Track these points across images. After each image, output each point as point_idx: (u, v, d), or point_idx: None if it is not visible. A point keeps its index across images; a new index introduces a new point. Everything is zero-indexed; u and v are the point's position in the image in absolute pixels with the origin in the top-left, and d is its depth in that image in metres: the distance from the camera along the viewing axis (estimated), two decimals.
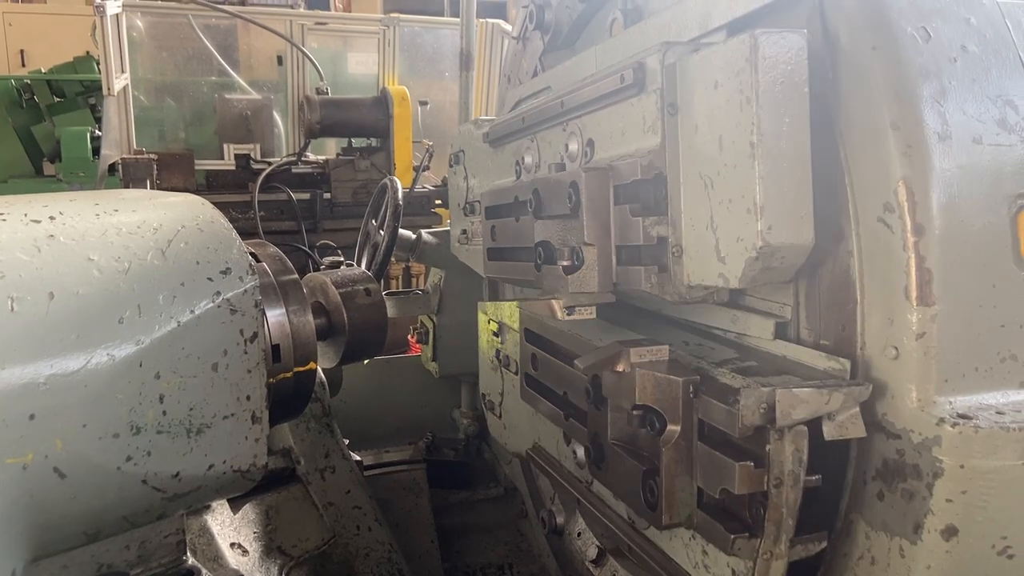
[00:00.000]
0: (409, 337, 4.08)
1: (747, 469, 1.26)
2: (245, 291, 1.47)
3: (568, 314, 1.68)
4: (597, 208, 1.56)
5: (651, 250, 1.49)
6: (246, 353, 1.46)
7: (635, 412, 1.45)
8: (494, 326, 2.44)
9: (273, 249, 1.80)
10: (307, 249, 6.56)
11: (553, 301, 1.67)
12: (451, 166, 2.71)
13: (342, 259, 2.46)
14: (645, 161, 1.48)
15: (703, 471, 1.37)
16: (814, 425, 1.25)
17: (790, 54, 1.23)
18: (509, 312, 2.28)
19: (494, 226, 2.10)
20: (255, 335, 1.47)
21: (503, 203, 2.02)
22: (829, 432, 1.26)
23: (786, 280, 1.37)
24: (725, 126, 1.30)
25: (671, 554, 1.58)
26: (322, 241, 6.12)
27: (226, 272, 1.45)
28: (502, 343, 2.38)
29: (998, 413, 1.19)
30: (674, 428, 1.39)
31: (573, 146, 1.81)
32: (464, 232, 2.62)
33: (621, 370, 1.48)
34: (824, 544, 1.34)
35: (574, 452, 1.87)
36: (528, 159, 2.06)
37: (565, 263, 1.61)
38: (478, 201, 2.38)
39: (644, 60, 1.49)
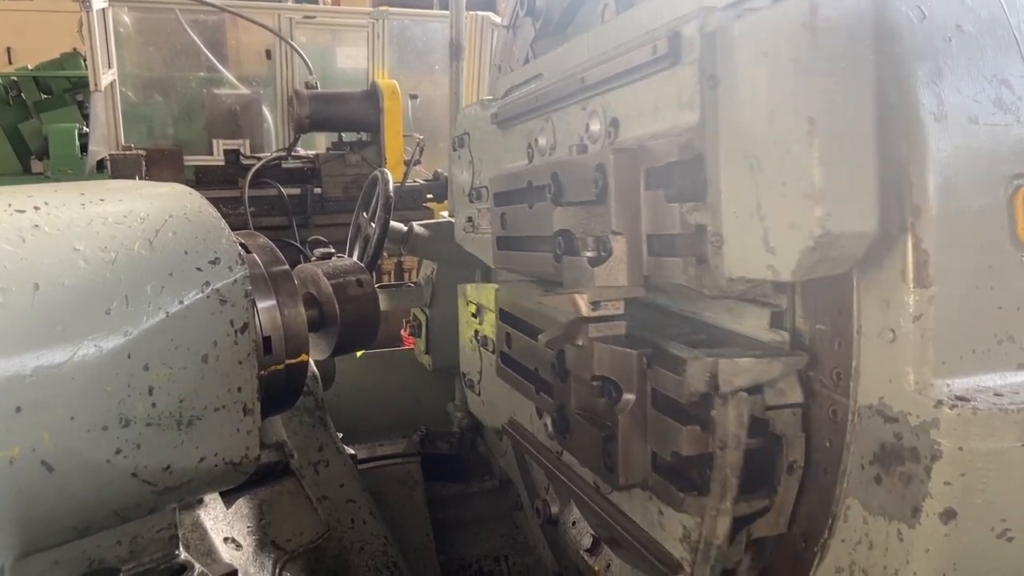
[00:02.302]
0: (402, 331, 4.06)
1: (694, 432, 1.36)
2: (235, 281, 1.45)
3: (594, 309, 1.50)
4: (626, 193, 1.43)
5: (687, 239, 1.36)
6: (236, 344, 1.44)
7: (594, 383, 1.55)
8: (473, 307, 2.52)
9: (263, 240, 1.78)
10: (298, 244, 6.54)
11: (576, 296, 1.50)
12: (455, 149, 2.59)
13: (333, 250, 2.44)
14: (682, 140, 1.34)
15: (655, 436, 1.47)
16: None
17: (854, 15, 1.12)
18: (487, 294, 2.36)
19: (504, 213, 2.00)
20: (245, 326, 1.46)
21: (514, 188, 1.93)
22: (770, 398, 1.37)
23: (843, 272, 1.25)
24: (776, 100, 1.17)
25: (631, 515, 1.66)
26: (313, 236, 6.10)
27: (215, 262, 1.44)
28: (480, 324, 2.46)
29: (996, 395, 1.18)
30: (629, 397, 1.49)
31: (595, 126, 1.68)
32: (470, 220, 2.50)
33: (581, 344, 1.56)
34: (766, 502, 1.42)
35: (545, 425, 1.92)
36: (542, 141, 1.94)
37: (590, 254, 1.50)
38: (485, 187, 2.29)
39: (679, 28, 1.35)
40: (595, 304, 1.49)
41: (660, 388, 1.45)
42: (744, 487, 1.37)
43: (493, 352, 2.31)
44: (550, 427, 1.87)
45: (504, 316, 2.14)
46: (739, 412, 1.34)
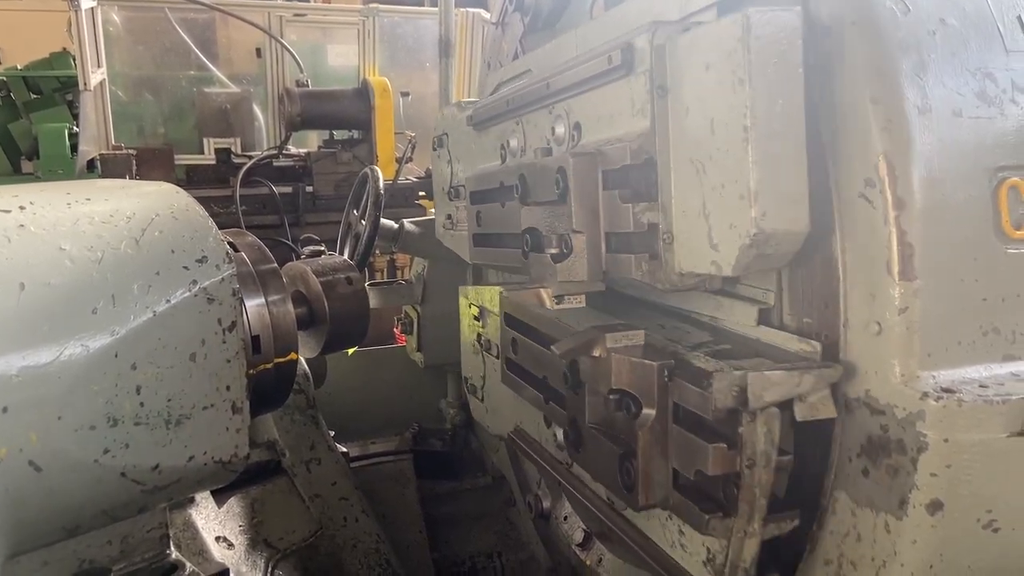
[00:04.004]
0: (395, 329, 4.05)
1: (720, 451, 1.27)
2: (222, 280, 1.44)
3: (557, 303, 1.63)
4: (586, 194, 1.51)
5: (642, 237, 1.44)
6: (224, 343, 1.44)
7: (611, 396, 1.47)
8: (475, 310, 2.45)
9: (251, 238, 1.77)
10: (290, 243, 6.53)
11: (542, 290, 1.65)
12: (434, 149, 2.66)
13: (323, 248, 2.43)
14: (635, 145, 1.43)
15: (678, 453, 1.39)
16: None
17: (784, 33, 1.19)
18: (490, 296, 2.29)
19: (479, 211, 2.07)
20: (233, 324, 1.45)
21: (488, 188, 1.99)
22: (800, 413, 1.28)
23: (780, 267, 1.35)
24: (717, 109, 1.25)
25: (649, 534, 1.60)
26: (305, 235, 6.09)
27: (202, 261, 1.43)
28: (483, 327, 2.39)
29: (981, 387, 1.19)
30: (649, 411, 1.41)
31: (560, 129, 1.77)
32: (449, 217, 2.58)
33: (597, 355, 1.49)
34: (796, 523, 1.35)
35: (555, 435, 1.90)
36: (513, 143, 2.01)
37: (553, 251, 1.57)
38: (462, 186, 2.35)
39: (632, 40, 1.45)
40: (558, 298, 1.61)
41: (683, 403, 1.37)
42: (771, 507, 1.30)
43: (497, 357, 2.23)
44: (560, 438, 1.83)
45: (509, 321, 2.07)
46: (769, 429, 1.25)
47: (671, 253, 1.40)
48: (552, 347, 1.62)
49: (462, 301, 2.57)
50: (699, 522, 1.33)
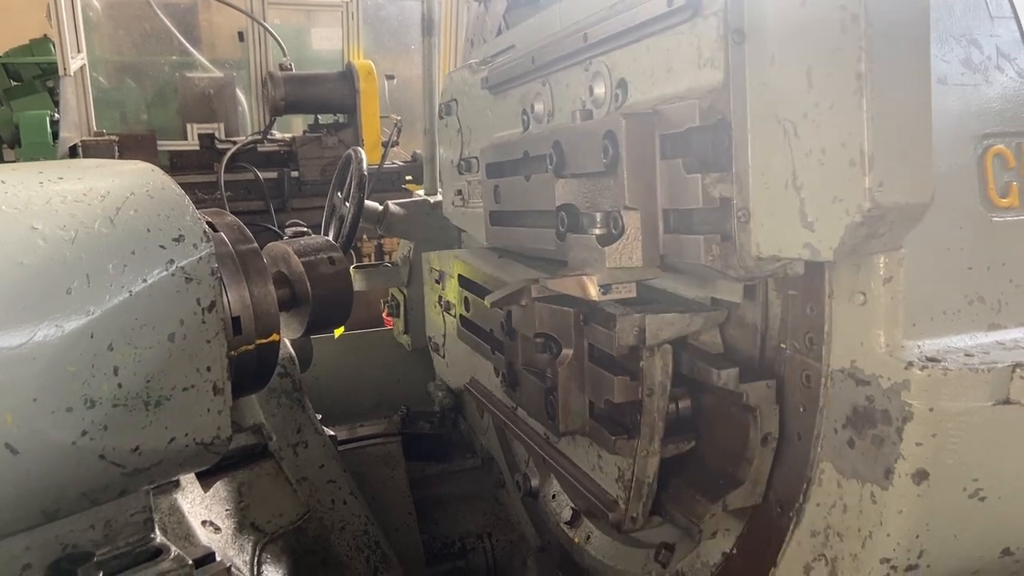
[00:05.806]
0: (384, 313, 4.03)
1: (624, 381, 1.46)
2: (200, 259, 1.42)
3: (603, 293, 1.39)
4: (640, 163, 1.31)
5: (710, 214, 1.26)
6: (204, 323, 1.42)
7: (537, 339, 1.66)
8: (436, 274, 2.56)
9: (231, 218, 1.75)
10: (276, 228, 6.49)
11: (585, 278, 1.39)
12: (441, 117, 2.47)
13: (306, 228, 2.41)
14: (703, 103, 1.22)
15: (591, 386, 1.58)
16: None
17: None
18: (448, 261, 2.41)
19: (498, 186, 1.91)
20: (213, 304, 1.43)
21: (508, 159, 1.83)
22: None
23: (891, 251, 1.15)
24: (816, 55, 1.05)
25: (575, 460, 1.77)
26: (291, 220, 6.05)
27: (179, 240, 1.40)
28: (443, 290, 2.50)
29: (967, 355, 1.18)
30: (568, 351, 1.59)
31: (599, 89, 1.57)
32: (459, 193, 2.38)
33: (525, 304, 1.67)
34: (692, 443, 1.53)
35: (502, 382, 1.97)
36: (539, 106, 1.83)
37: (599, 231, 1.40)
38: (475, 157, 2.18)
39: None
40: (605, 287, 1.39)
41: (595, 342, 1.53)
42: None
43: (455, 316, 2.37)
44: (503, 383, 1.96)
45: (463, 281, 2.21)
46: (664, 362, 1.42)
47: (747, 233, 1.22)
48: (484, 298, 1.76)
49: (425, 266, 2.68)
50: (608, 443, 1.52)
